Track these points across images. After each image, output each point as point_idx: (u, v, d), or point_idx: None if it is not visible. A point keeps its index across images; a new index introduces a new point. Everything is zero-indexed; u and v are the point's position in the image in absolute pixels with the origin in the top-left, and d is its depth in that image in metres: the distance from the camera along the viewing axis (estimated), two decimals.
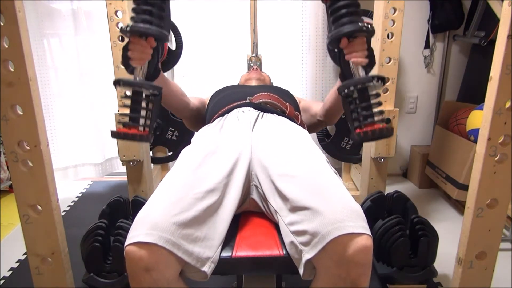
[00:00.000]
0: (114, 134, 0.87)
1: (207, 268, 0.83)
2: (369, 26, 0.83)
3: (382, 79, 0.84)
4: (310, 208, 0.82)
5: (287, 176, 0.92)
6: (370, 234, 0.79)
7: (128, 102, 0.86)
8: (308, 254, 0.80)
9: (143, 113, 0.86)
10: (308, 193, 0.86)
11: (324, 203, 0.82)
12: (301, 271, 0.84)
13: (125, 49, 0.88)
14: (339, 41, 0.87)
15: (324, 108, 1.33)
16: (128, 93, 0.87)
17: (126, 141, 0.86)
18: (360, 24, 0.82)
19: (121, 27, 0.84)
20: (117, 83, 0.85)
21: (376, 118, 0.84)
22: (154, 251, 0.77)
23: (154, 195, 0.89)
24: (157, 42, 0.88)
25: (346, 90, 0.86)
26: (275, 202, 0.93)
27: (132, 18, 0.84)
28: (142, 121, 0.86)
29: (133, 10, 0.84)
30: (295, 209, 0.86)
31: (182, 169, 0.97)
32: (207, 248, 0.84)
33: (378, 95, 0.86)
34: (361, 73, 0.87)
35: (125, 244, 0.79)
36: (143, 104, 0.86)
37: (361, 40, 0.86)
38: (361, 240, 0.77)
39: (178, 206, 0.83)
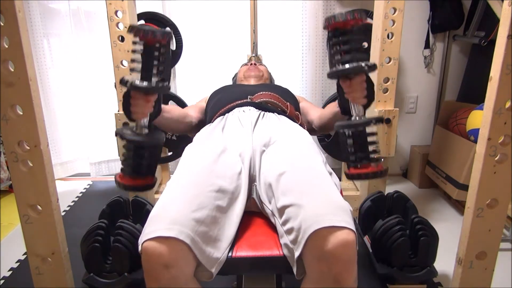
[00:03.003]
0: (120, 185, 0.88)
1: (214, 269, 0.83)
2: (368, 64, 0.81)
3: (381, 120, 0.85)
4: (294, 205, 0.82)
5: (276, 176, 0.93)
6: (353, 228, 0.77)
7: (130, 153, 0.87)
8: (297, 251, 0.80)
9: (146, 162, 0.87)
10: (293, 190, 0.86)
11: (307, 198, 0.82)
12: (294, 270, 0.83)
13: (126, 98, 0.88)
14: (338, 78, 0.87)
15: (320, 121, 1.32)
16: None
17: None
18: (360, 64, 0.81)
19: (122, 80, 0.83)
20: (119, 135, 0.86)
21: (371, 156, 0.85)
22: (174, 246, 0.76)
23: (168, 192, 0.88)
24: (158, 95, 0.89)
25: (342, 130, 0.86)
26: (270, 205, 0.93)
27: (132, 70, 0.83)
28: (145, 169, 0.87)
29: (133, 61, 0.83)
30: (282, 208, 0.86)
31: (194, 167, 0.96)
32: (216, 249, 0.84)
33: (375, 133, 0.87)
34: (360, 110, 0.87)
35: (143, 240, 0.77)
36: (146, 155, 0.87)
37: (360, 79, 0.85)
38: (341, 234, 0.75)
39: (195, 203, 0.83)
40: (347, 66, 0.81)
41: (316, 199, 0.82)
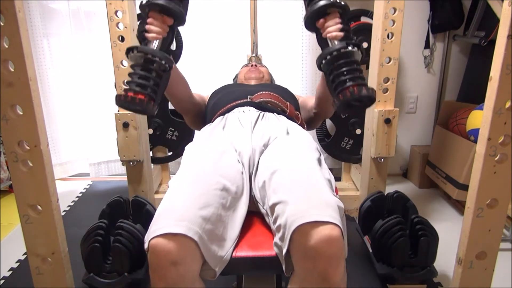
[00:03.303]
0: (120, 99, 0.82)
1: (218, 268, 0.83)
2: (340, 1, 0.84)
3: (357, 45, 0.84)
4: (282, 202, 0.82)
5: (269, 175, 0.93)
6: (337, 223, 0.75)
7: (137, 69, 0.84)
8: (284, 249, 0.80)
9: (152, 82, 0.84)
10: (282, 189, 0.86)
11: (293, 195, 0.82)
12: (283, 267, 0.83)
13: (142, 23, 0.87)
14: (314, 21, 0.88)
15: (316, 98, 1.31)
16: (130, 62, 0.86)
17: (129, 110, 0.83)
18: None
19: (141, 2, 0.84)
20: (131, 50, 0.84)
21: (357, 82, 0.82)
22: (183, 243, 0.75)
23: (173, 190, 0.88)
24: (174, 21, 0.88)
25: (323, 61, 0.86)
26: (264, 204, 0.93)
27: None
28: (150, 90, 0.83)
29: None
30: (272, 206, 0.86)
31: (198, 166, 0.96)
32: (221, 247, 0.84)
33: (357, 63, 0.84)
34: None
35: (150, 237, 0.76)
36: (154, 74, 0.84)
37: (334, 15, 0.87)
38: (324, 229, 0.74)
39: (201, 201, 0.83)
40: (319, 3, 0.85)
41: (302, 195, 0.81)
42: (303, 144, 1.06)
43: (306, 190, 0.83)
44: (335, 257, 0.75)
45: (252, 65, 1.65)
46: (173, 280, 0.76)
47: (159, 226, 0.77)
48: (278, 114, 1.23)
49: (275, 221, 0.84)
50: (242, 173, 0.99)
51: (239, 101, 1.26)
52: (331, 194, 0.83)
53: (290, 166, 0.93)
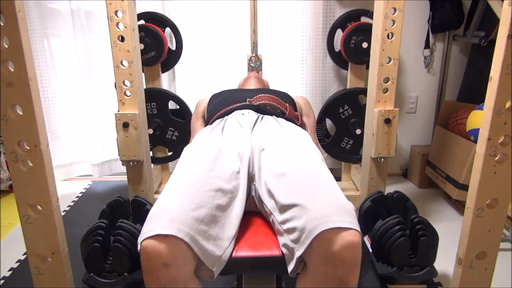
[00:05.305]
0: None
1: (215, 268, 0.83)
2: None
3: None
4: (299, 205, 0.82)
5: (277, 175, 0.93)
6: (358, 230, 0.78)
7: None
8: (298, 251, 0.80)
9: None
10: (296, 190, 0.86)
11: (311, 199, 0.82)
12: (290, 268, 0.84)
13: None
14: None
15: None
16: None
17: None
18: None
19: None
20: None
21: None
22: (173, 244, 0.76)
23: (167, 191, 0.88)
24: None
25: None
26: (269, 203, 0.93)
27: None
28: None
29: None
30: (284, 207, 0.86)
31: (193, 167, 0.97)
32: (217, 247, 0.84)
33: None
34: None
35: (142, 239, 0.77)
36: None
37: None
38: (348, 235, 0.76)
39: (194, 201, 0.83)
40: None
41: (321, 199, 0.82)
42: (308, 146, 1.07)
43: (324, 194, 0.84)
44: (356, 262, 0.77)
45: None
46: (165, 282, 0.76)
47: (150, 227, 0.77)
48: (277, 116, 1.23)
49: (284, 222, 0.85)
50: (239, 172, 0.99)
51: (238, 104, 1.27)
52: (345, 198, 0.85)
53: (302, 169, 0.94)
